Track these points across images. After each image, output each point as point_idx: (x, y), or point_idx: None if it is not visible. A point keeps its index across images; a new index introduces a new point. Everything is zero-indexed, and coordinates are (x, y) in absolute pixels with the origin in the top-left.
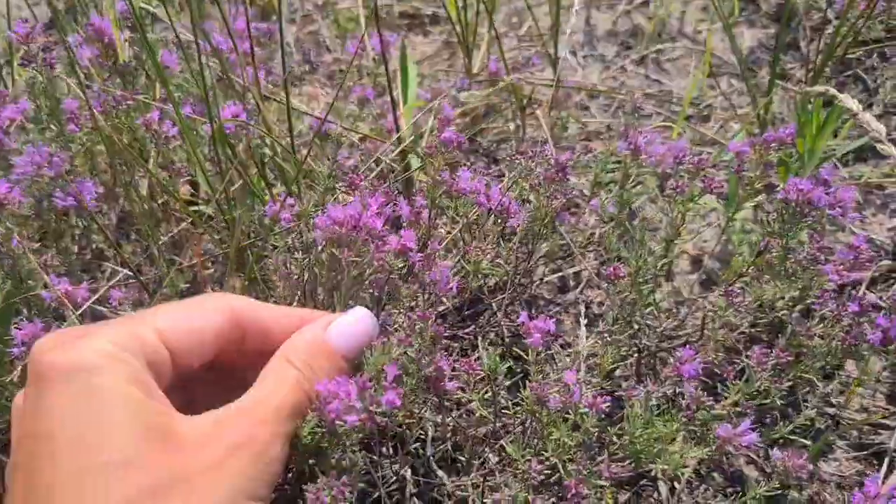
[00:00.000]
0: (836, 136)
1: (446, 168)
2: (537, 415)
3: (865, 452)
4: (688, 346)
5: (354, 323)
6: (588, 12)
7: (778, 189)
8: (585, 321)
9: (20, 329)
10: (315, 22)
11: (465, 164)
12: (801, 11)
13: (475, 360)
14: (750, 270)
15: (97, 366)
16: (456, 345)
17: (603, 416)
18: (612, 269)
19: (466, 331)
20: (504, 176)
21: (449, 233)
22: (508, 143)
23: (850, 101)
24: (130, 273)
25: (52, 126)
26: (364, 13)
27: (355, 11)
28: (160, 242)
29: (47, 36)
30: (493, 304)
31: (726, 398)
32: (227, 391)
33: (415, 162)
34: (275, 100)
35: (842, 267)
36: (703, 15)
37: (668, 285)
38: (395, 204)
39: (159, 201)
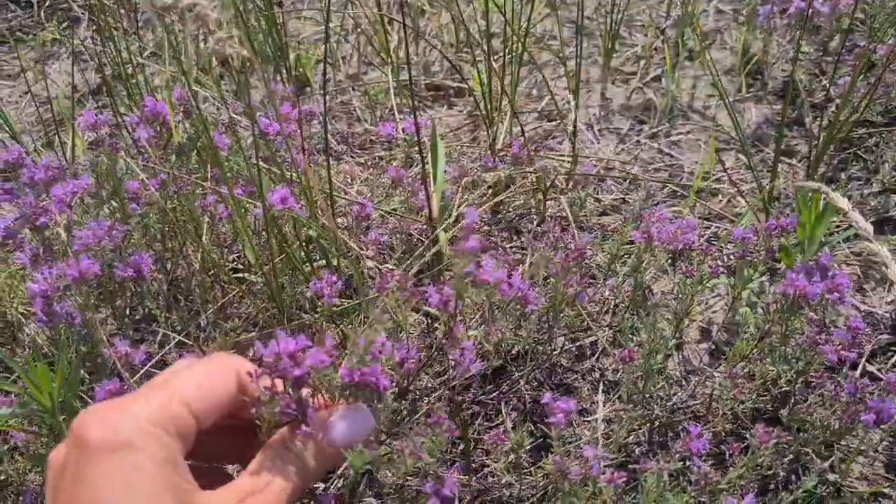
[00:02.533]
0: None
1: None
2: (558, 483)
3: None
4: (697, 420)
5: (354, 422)
6: (604, 87)
7: (779, 272)
8: (602, 398)
9: (101, 388)
10: (347, 92)
11: (487, 238)
12: (804, 91)
13: (502, 433)
14: (753, 352)
15: (136, 445)
16: (480, 410)
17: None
18: (626, 352)
19: (490, 396)
20: (525, 248)
21: (478, 309)
22: (529, 217)
23: (840, 201)
24: (180, 337)
25: (114, 202)
26: (393, 86)
27: (384, 85)
28: (208, 312)
29: (96, 102)
30: (516, 372)
31: (733, 470)
32: (225, 449)
33: (445, 248)
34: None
35: (840, 347)
36: (712, 90)
37: (679, 355)
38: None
39: (210, 272)
